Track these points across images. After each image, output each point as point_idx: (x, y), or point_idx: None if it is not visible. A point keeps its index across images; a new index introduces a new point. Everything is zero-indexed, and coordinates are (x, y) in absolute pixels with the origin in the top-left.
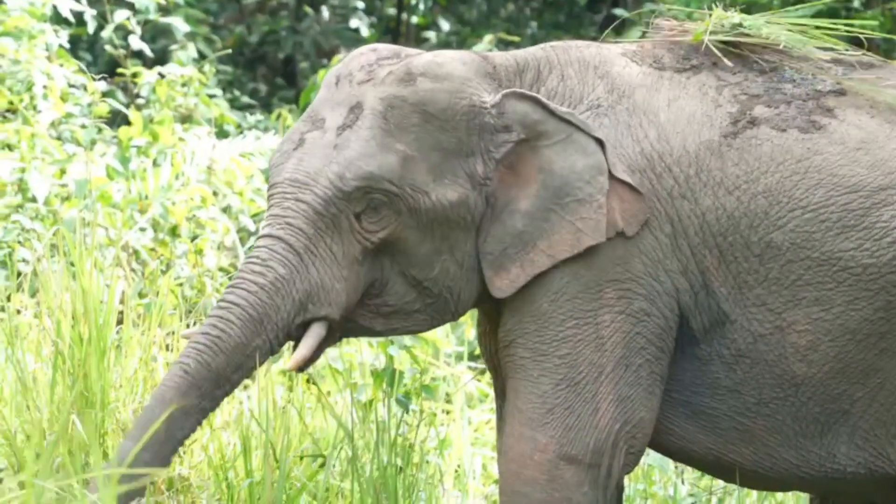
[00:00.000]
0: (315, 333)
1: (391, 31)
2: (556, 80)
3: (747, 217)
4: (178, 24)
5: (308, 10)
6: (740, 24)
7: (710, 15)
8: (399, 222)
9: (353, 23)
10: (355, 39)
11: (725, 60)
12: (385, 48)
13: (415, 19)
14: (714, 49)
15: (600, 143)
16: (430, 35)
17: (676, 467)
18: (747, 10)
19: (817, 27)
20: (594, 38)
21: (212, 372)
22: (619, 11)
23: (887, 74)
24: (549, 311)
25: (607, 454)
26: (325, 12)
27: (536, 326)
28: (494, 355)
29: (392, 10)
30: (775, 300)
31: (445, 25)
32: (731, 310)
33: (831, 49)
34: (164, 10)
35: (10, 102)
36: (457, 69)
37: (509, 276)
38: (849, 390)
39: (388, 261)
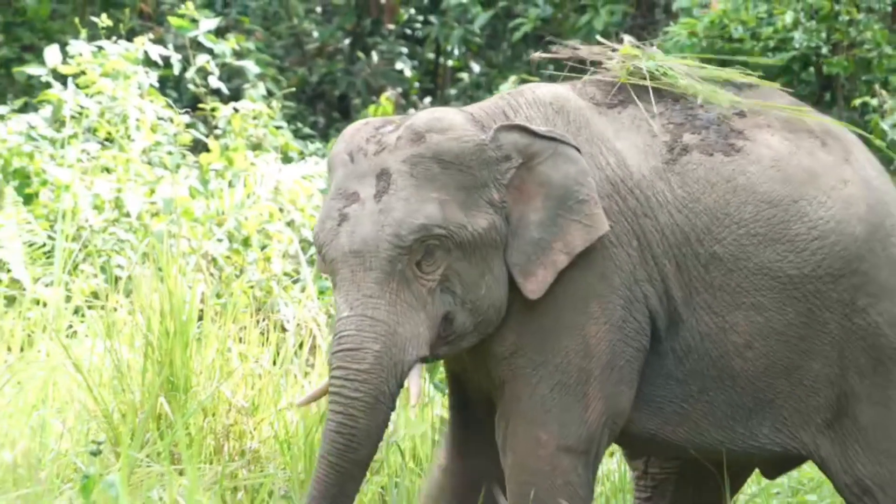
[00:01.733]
0: (418, 372)
1: (430, 73)
2: (523, 121)
3: (694, 232)
4: (250, 66)
5: (360, 54)
6: (657, 71)
7: (620, 50)
8: (449, 258)
9: (398, 65)
10: (400, 79)
11: (642, 106)
12: (375, 120)
13: (450, 63)
14: (633, 93)
15: (578, 150)
16: (464, 76)
17: None
18: (728, 56)
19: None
20: None
21: (358, 463)
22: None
23: (768, 95)
24: (545, 326)
25: (595, 441)
26: (375, 57)
27: (535, 340)
28: (470, 365)
29: (431, 55)
30: (719, 304)
31: (476, 68)
32: (683, 311)
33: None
34: (238, 55)
35: (109, 133)
36: (453, 120)
37: (537, 278)
38: (775, 383)
39: (447, 295)
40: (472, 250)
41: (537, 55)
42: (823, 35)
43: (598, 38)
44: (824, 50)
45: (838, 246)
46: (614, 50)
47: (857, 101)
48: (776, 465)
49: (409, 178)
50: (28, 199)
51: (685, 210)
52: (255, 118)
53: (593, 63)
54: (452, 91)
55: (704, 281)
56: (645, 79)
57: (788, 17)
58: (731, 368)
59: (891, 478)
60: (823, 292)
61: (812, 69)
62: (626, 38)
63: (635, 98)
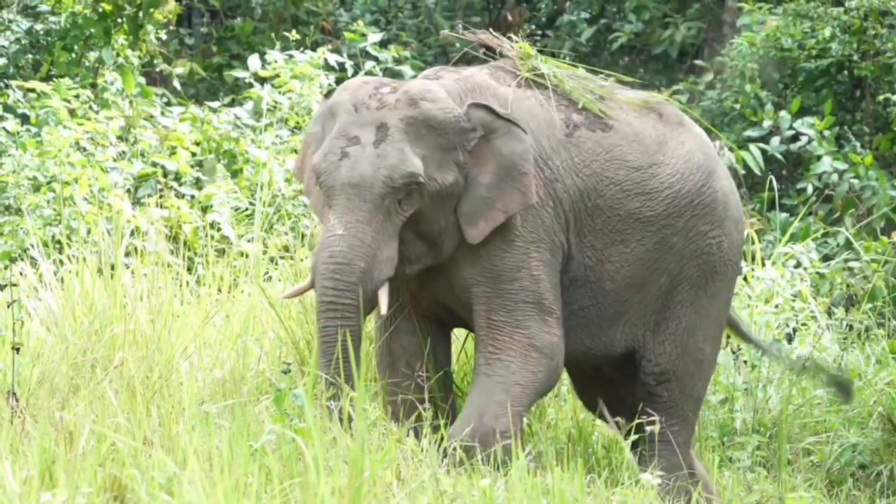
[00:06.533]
0: (386, 288)
1: None
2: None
3: (585, 191)
4: (407, 70)
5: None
6: (551, 74)
7: (518, 46)
8: (421, 202)
9: None
10: None
11: (539, 92)
12: (372, 79)
13: None
14: (533, 82)
15: (525, 132)
16: None
17: None
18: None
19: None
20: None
21: (353, 353)
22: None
23: (616, 87)
24: (497, 266)
25: (556, 351)
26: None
27: (491, 275)
28: (427, 299)
29: None
30: (599, 242)
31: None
32: (575, 251)
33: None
34: (397, 61)
35: (297, 122)
36: (440, 93)
37: (478, 228)
38: (631, 297)
39: (410, 229)
40: (438, 198)
41: (446, 33)
42: (855, 45)
43: (491, 30)
44: (855, 57)
45: (682, 191)
46: (510, 40)
47: (881, 98)
48: (612, 363)
49: (403, 134)
50: (234, 174)
51: (580, 174)
52: None
53: (491, 49)
54: None
55: (590, 227)
56: (542, 76)
57: (827, 32)
58: (604, 289)
59: (685, 370)
60: (672, 224)
61: (846, 72)
62: (516, 40)
63: (531, 81)
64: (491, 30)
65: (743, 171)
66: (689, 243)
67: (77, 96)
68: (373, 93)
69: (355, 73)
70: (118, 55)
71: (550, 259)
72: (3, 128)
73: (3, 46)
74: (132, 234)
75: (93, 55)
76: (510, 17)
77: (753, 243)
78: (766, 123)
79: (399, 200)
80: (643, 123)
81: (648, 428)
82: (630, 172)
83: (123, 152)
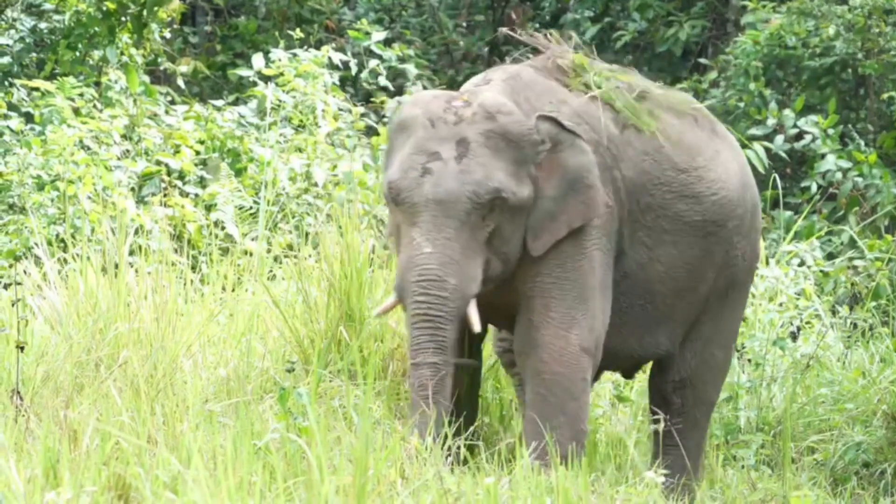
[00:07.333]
0: (475, 306)
1: None
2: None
3: (637, 187)
4: (410, 69)
5: (496, 59)
6: (602, 93)
7: (575, 58)
8: (501, 217)
9: None
10: None
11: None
12: (442, 93)
13: None
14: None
15: (588, 144)
16: None
17: None
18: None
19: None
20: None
21: (449, 362)
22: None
23: (646, 83)
24: (565, 250)
25: (599, 347)
26: (508, 61)
27: (557, 261)
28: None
29: None
30: (651, 241)
31: None
32: (627, 246)
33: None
34: (401, 60)
35: (301, 121)
36: (513, 105)
37: (541, 240)
38: (677, 303)
39: (490, 245)
40: (515, 212)
41: (504, 30)
42: (859, 44)
43: (547, 34)
44: (859, 55)
45: (724, 199)
46: (559, 44)
47: (885, 96)
48: (638, 367)
49: (484, 148)
50: (238, 173)
51: (634, 168)
52: None
53: (501, 55)
54: None
55: (641, 223)
56: (591, 89)
57: (831, 30)
58: (653, 290)
59: (700, 378)
60: (716, 232)
61: (850, 70)
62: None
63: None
64: (549, 33)
65: None
66: (724, 255)
67: (81, 95)
68: (446, 106)
69: (359, 72)
70: (122, 54)
71: (608, 247)
72: (8, 126)
73: (8, 45)
74: (136, 232)
75: (97, 54)
76: (514, 16)
77: None
78: (770, 122)
79: (483, 216)
80: (682, 126)
81: (654, 427)
82: (677, 174)
83: (127, 151)
